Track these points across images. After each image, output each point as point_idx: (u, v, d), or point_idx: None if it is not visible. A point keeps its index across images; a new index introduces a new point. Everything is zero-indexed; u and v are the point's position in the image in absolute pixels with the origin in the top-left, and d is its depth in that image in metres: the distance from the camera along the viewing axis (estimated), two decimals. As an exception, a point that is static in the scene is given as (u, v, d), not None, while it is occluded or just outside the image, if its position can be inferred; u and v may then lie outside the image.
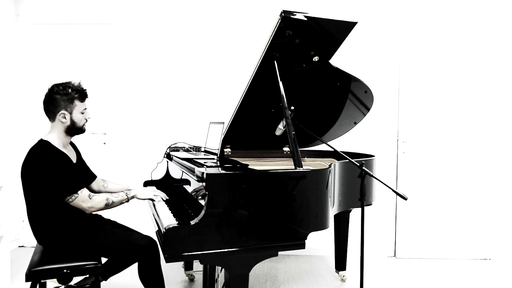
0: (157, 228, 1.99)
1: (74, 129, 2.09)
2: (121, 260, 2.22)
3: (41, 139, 2.05)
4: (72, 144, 2.24)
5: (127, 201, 2.11)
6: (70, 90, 2.05)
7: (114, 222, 2.36)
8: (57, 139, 2.06)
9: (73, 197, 1.97)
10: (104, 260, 2.19)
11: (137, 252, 2.05)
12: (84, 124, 2.13)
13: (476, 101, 3.63)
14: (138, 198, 2.13)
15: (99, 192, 2.38)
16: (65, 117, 2.05)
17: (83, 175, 2.27)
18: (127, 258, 2.12)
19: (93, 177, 2.38)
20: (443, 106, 3.64)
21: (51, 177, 1.94)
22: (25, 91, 3.78)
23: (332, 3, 3.65)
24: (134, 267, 2.36)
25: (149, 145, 3.76)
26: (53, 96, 2.04)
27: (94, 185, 2.39)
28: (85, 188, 2.03)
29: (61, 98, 2.03)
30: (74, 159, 2.16)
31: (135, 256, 2.07)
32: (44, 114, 2.09)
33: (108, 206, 2.04)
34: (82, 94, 2.09)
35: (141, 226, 2.93)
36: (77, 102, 2.07)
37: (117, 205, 2.08)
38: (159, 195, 2.15)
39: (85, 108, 2.13)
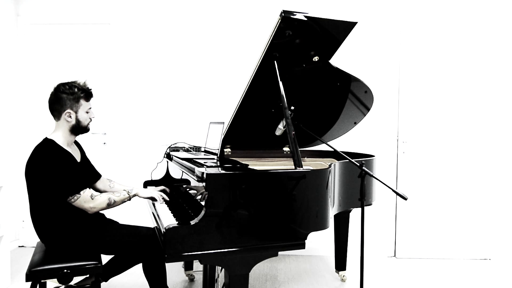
0: (157, 228, 1.99)
1: (79, 128, 2.11)
2: (128, 255, 2.19)
3: (46, 137, 2.06)
4: (76, 143, 2.25)
5: (129, 199, 2.12)
6: (76, 90, 2.06)
7: (116, 222, 2.36)
8: (62, 138, 2.07)
9: (76, 197, 1.97)
10: (104, 261, 2.18)
11: (144, 244, 2.06)
12: (88, 124, 2.15)
13: (476, 101, 3.63)
14: (139, 197, 2.15)
15: (104, 191, 2.39)
16: (70, 116, 2.06)
17: (87, 174, 2.27)
18: (134, 252, 2.10)
19: (98, 176, 2.39)
20: (443, 106, 3.64)
21: (55, 176, 1.95)
22: (25, 91, 3.78)
23: (332, 3, 3.65)
24: (134, 267, 2.36)
25: (149, 145, 3.76)
26: (59, 95, 2.05)
27: (100, 184, 2.40)
28: (87, 189, 2.03)
29: (67, 97, 2.05)
30: (78, 158, 2.17)
31: (142, 248, 2.07)
32: (46, 113, 2.09)
33: (110, 205, 2.05)
34: (87, 94, 2.11)
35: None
36: (82, 102, 2.09)
37: (118, 204, 2.09)
38: (162, 196, 2.17)
39: (90, 108, 2.14)
